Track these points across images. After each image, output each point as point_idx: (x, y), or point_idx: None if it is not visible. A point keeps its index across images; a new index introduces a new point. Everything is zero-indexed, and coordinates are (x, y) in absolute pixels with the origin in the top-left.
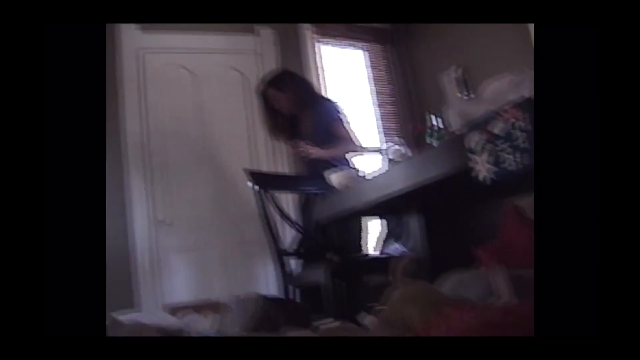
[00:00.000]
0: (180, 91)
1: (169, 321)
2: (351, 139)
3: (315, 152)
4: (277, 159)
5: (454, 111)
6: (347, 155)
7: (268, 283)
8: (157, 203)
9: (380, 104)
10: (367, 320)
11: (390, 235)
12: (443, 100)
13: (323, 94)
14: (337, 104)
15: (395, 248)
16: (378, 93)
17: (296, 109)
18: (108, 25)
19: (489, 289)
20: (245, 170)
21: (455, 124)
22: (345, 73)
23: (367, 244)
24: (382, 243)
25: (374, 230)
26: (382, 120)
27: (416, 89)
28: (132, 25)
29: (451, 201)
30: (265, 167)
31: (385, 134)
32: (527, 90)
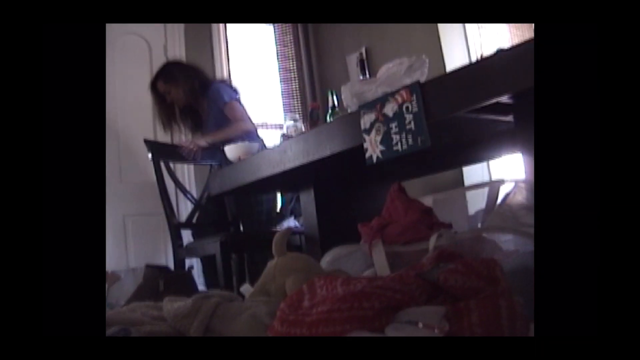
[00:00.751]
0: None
1: None
2: (246, 119)
3: (204, 140)
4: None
5: (351, 91)
6: (246, 134)
7: (168, 255)
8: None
9: (284, 81)
10: (244, 288)
11: (287, 211)
12: (346, 80)
13: (217, 75)
14: (229, 84)
15: (293, 224)
16: (283, 69)
17: (191, 98)
18: None
19: (367, 264)
20: (144, 140)
21: (352, 104)
22: (252, 49)
23: (263, 219)
24: (279, 218)
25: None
26: (284, 97)
27: (321, 67)
28: None
29: (343, 179)
30: (168, 138)
31: (286, 110)
32: (420, 74)
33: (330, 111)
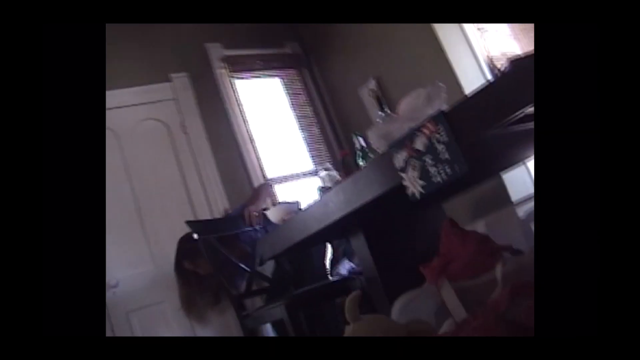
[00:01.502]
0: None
1: None
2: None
3: (257, 207)
4: (213, 201)
5: (378, 134)
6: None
7: (229, 327)
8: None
9: (304, 128)
10: None
11: (340, 254)
12: (364, 114)
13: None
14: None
15: (349, 267)
16: (300, 117)
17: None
18: None
19: (437, 304)
20: (186, 221)
21: (381, 145)
22: (264, 103)
23: (317, 270)
24: (334, 264)
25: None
26: (308, 144)
27: (336, 106)
28: None
29: (389, 217)
30: (200, 209)
31: (313, 156)
32: (439, 101)
33: (359, 154)
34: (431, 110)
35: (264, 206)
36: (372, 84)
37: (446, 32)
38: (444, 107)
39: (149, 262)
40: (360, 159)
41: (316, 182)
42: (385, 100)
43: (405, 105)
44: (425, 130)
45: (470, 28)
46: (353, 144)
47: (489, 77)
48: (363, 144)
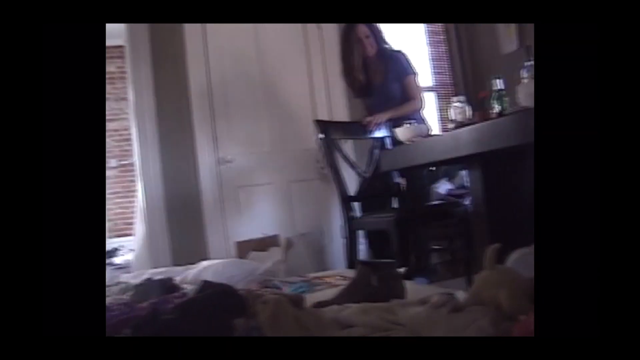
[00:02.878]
0: (240, 35)
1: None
2: (419, 97)
3: (384, 117)
4: (335, 98)
5: (526, 91)
6: (417, 112)
7: (329, 221)
8: (220, 142)
9: (432, 44)
10: (460, 294)
11: (441, 174)
12: (494, 43)
13: None
14: (409, 57)
15: (447, 188)
16: (430, 32)
17: (374, 53)
18: None
19: None
20: (315, 120)
21: (527, 102)
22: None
23: (424, 189)
24: (433, 182)
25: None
26: (433, 60)
27: (467, 28)
28: None
29: (509, 163)
30: (323, 107)
31: (436, 73)
32: None
33: (495, 94)
34: None
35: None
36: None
37: None
38: None
39: (266, 144)
40: (496, 102)
41: (431, 99)
42: (523, 37)
43: None
44: None
45: None
46: (488, 84)
47: None
48: (501, 86)
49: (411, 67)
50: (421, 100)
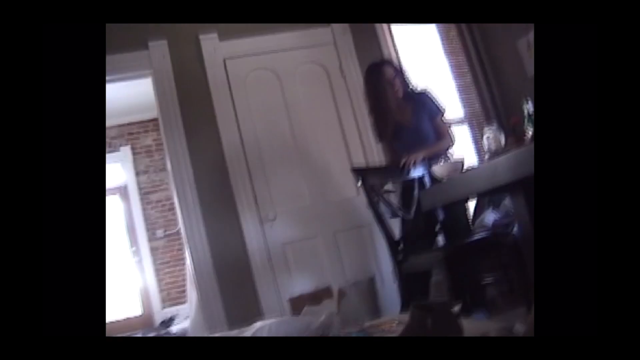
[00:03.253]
0: (266, 92)
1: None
2: (449, 134)
3: (419, 156)
4: (367, 145)
5: None
6: (448, 149)
7: (378, 267)
8: (260, 201)
9: (457, 77)
10: (517, 328)
11: (484, 203)
12: (519, 66)
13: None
14: (435, 97)
15: (493, 217)
16: (453, 65)
17: (401, 95)
18: (189, 37)
19: None
20: (352, 169)
21: None
22: (419, 49)
23: (467, 224)
24: (478, 214)
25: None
26: (460, 93)
27: (491, 56)
28: (210, 35)
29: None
30: (355, 154)
31: (465, 105)
32: None
33: (527, 118)
34: None
35: (426, 155)
36: (531, 36)
37: None
38: None
39: (306, 198)
40: (528, 125)
41: (465, 130)
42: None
43: None
44: None
45: None
46: (520, 110)
47: None
48: (531, 109)
49: (438, 106)
50: (451, 136)
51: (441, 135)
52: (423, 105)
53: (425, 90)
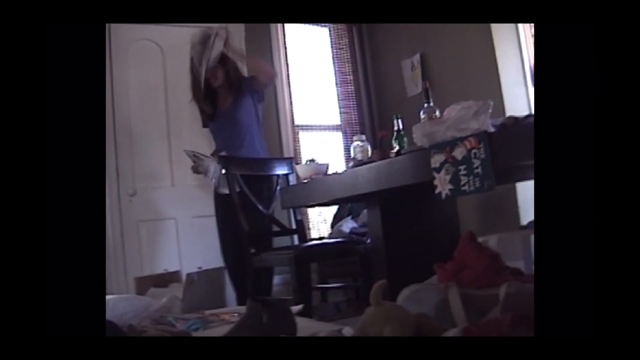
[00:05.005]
0: (147, 64)
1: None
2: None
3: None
4: None
5: (422, 131)
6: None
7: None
8: (122, 175)
9: (340, 84)
10: (346, 330)
11: (345, 211)
12: (400, 85)
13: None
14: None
15: (351, 226)
16: (339, 72)
17: (225, 85)
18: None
19: (440, 300)
20: (219, 155)
21: (422, 142)
22: (308, 51)
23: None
24: (337, 220)
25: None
26: (340, 100)
27: (376, 71)
28: None
29: (408, 197)
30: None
31: (343, 112)
32: (485, 117)
33: (395, 134)
34: (476, 124)
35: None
36: (416, 59)
37: (500, 30)
38: (489, 123)
39: (168, 179)
40: (394, 141)
41: (338, 138)
42: (424, 74)
43: (453, 112)
44: (467, 144)
45: (524, 31)
46: (391, 124)
47: (530, 85)
48: (401, 126)
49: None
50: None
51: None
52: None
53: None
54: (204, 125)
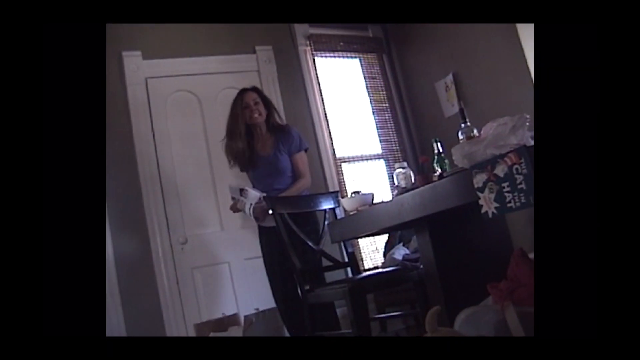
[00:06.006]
0: (186, 114)
1: None
2: (308, 172)
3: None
4: None
5: (461, 153)
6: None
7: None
8: (172, 224)
9: (377, 112)
10: None
11: (395, 239)
12: (437, 107)
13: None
14: (299, 133)
15: (403, 252)
16: (374, 101)
17: (265, 128)
18: (112, 53)
19: (498, 321)
20: (265, 197)
21: (463, 163)
22: (341, 83)
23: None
24: (388, 248)
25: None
26: (379, 128)
27: (410, 96)
28: (133, 53)
29: (455, 222)
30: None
31: (382, 140)
32: (523, 132)
33: (436, 157)
34: (515, 140)
35: None
36: (449, 79)
37: (529, 40)
38: (528, 136)
39: (217, 224)
40: (437, 164)
41: (381, 166)
42: (459, 93)
43: (491, 130)
44: (508, 160)
45: None
46: (431, 148)
47: None
48: (440, 149)
49: (302, 142)
50: (308, 176)
51: (300, 174)
52: (286, 138)
53: (289, 125)
54: (242, 170)
